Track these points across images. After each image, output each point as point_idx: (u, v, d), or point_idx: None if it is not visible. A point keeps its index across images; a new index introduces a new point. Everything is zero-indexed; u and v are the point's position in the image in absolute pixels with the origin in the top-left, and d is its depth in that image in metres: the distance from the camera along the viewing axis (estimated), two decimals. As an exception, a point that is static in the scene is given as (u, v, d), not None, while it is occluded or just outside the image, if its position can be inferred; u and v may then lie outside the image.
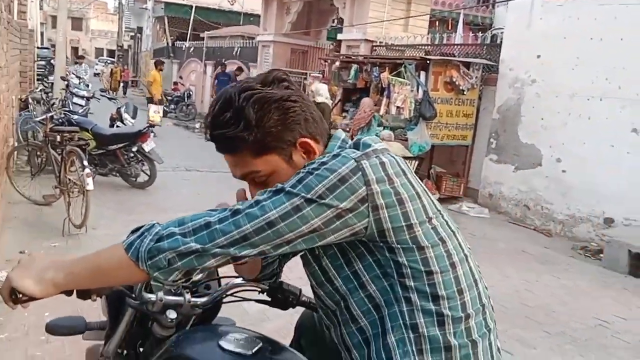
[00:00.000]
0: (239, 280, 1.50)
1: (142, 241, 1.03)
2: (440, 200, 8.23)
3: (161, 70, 14.18)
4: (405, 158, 6.76)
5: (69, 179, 5.23)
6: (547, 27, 7.28)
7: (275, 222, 1.00)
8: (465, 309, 1.08)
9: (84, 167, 4.95)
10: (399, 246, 1.04)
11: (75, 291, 1.19)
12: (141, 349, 1.45)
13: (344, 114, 9.75)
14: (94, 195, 5.16)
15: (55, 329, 1.43)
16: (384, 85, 8.14)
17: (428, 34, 12.18)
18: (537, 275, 5.36)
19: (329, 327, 1.20)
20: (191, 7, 22.05)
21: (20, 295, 1.10)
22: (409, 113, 7.69)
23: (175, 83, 18.44)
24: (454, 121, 8.07)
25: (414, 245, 1.04)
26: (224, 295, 1.47)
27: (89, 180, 4.86)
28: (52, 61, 16.38)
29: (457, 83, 7.78)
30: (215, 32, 20.87)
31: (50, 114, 6.30)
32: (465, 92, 7.94)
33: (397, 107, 7.71)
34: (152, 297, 1.30)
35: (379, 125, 8.02)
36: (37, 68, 13.34)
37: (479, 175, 8.35)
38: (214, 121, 1.15)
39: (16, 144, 6.87)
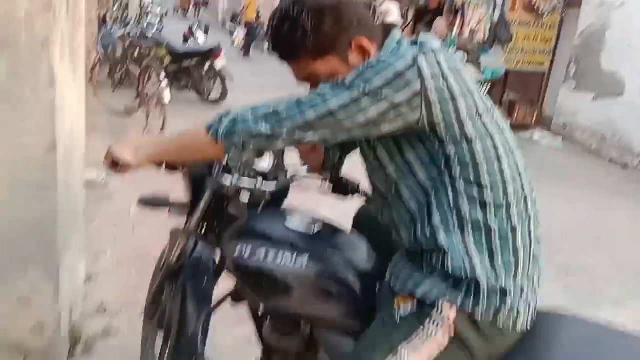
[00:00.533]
0: (304, 172, 1.63)
1: (221, 124, 1.18)
2: (512, 127, 7.95)
3: None
4: (478, 83, 6.62)
5: (147, 92, 5.51)
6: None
7: (336, 112, 1.10)
8: (507, 198, 1.15)
9: (161, 81, 5.19)
10: (448, 138, 1.11)
11: (164, 164, 1.39)
12: (217, 229, 1.61)
13: (415, 35, 9.49)
14: (170, 108, 5.42)
15: (146, 200, 1.62)
16: (458, 6, 7.79)
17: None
18: (607, 205, 5.22)
19: (381, 211, 1.31)
20: None
21: (119, 166, 1.32)
22: (484, 36, 7.37)
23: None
24: (531, 46, 7.69)
25: (462, 138, 1.11)
26: (291, 183, 1.59)
27: (166, 93, 5.11)
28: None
29: (537, 5, 7.33)
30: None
31: (127, 30, 6.53)
32: (545, 15, 7.47)
33: (471, 29, 7.40)
34: (228, 180, 1.44)
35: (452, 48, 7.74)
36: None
37: (554, 104, 8.00)
38: (274, 33, 1.26)
39: (98, 58, 7.22)
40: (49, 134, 1.77)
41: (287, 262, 1.33)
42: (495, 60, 7.35)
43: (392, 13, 7.76)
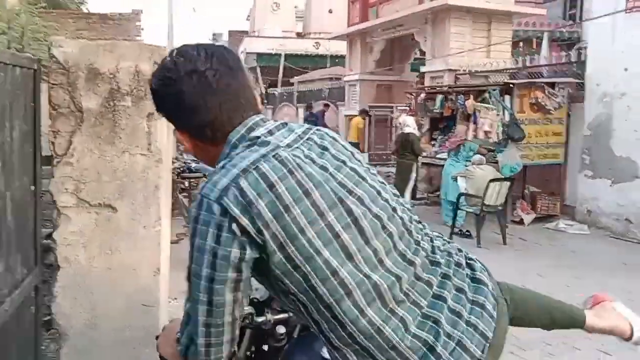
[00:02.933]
0: None
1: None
2: (537, 219, 8.34)
3: (364, 118, 14.12)
4: (498, 180, 7.06)
5: (197, 219, 6.07)
6: (632, 39, 7.32)
7: (209, 300, 1.11)
8: (357, 306, 1.12)
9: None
10: (281, 273, 1.13)
11: None
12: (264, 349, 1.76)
13: (432, 142, 10.15)
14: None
15: None
16: (469, 112, 8.48)
17: (512, 55, 12.37)
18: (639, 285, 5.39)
19: None
20: (280, 55, 23.54)
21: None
22: (497, 136, 7.95)
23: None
24: (544, 141, 8.22)
25: (289, 265, 1.11)
26: None
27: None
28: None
29: (543, 103, 7.97)
30: (304, 76, 22.10)
31: (175, 164, 7.29)
32: (552, 112, 8.09)
33: (485, 131, 8.01)
34: (263, 318, 1.59)
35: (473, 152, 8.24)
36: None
37: (574, 193, 8.36)
38: None
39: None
40: (156, 261, 2.25)
41: None
42: (512, 158, 7.84)
43: (408, 125, 8.45)
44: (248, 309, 1.70)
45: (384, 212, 1.20)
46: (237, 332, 1.19)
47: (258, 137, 1.15)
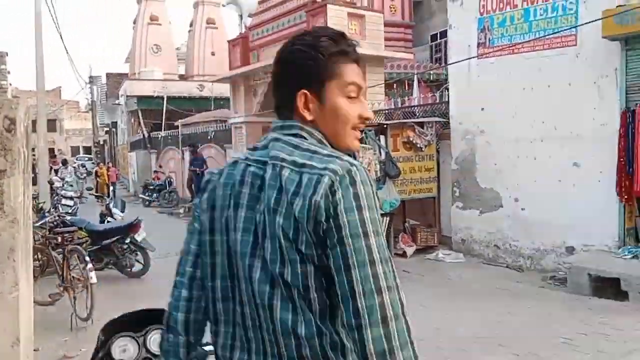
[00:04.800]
0: None
1: None
2: (418, 251, 8.81)
3: None
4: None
5: (72, 276, 5.67)
6: (485, 83, 8.17)
7: (183, 249, 1.39)
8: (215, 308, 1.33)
9: (86, 263, 5.42)
10: None
11: None
12: None
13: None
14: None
15: None
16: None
17: (388, 96, 13.16)
18: (509, 307, 5.86)
19: None
20: (163, 98, 23.08)
21: None
22: (375, 174, 8.36)
23: (156, 172, 19.07)
24: (417, 176, 8.78)
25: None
26: None
27: (92, 274, 5.32)
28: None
29: (414, 142, 8.55)
30: (189, 119, 21.78)
31: (46, 218, 6.80)
32: (423, 149, 8.69)
33: (364, 170, 8.38)
34: None
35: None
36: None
37: (449, 223, 8.96)
38: None
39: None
40: (14, 331, 2.09)
41: None
42: (390, 194, 8.27)
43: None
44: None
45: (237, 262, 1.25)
46: (188, 293, 1.34)
47: (255, 147, 1.32)
